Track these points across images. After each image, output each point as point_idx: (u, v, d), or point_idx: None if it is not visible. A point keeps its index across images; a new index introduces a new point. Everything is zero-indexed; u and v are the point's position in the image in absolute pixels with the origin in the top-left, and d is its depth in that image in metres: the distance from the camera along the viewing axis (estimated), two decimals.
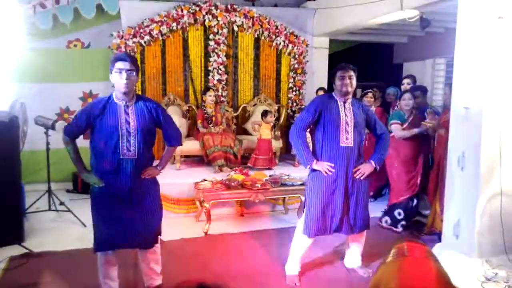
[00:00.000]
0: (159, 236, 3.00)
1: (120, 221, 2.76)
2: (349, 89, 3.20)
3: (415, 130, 4.32)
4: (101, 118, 2.69)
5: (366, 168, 3.22)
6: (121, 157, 2.69)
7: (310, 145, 3.42)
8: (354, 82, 3.23)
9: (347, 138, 3.17)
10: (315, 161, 3.19)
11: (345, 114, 3.21)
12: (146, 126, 2.76)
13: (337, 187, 3.19)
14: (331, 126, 3.18)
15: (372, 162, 3.25)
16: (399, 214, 4.42)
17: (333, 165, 3.16)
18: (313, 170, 3.22)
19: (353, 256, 3.52)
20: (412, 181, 4.42)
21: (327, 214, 3.22)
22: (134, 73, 2.70)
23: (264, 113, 5.59)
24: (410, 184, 4.41)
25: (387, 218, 4.49)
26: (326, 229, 3.25)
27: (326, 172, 3.15)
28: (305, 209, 3.30)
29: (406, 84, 5.25)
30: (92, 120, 2.70)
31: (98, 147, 2.72)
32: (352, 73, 3.22)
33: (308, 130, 3.36)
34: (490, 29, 3.29)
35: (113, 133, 2.67)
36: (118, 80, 2.66)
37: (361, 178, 3.22)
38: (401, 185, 4.42)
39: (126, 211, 2.76)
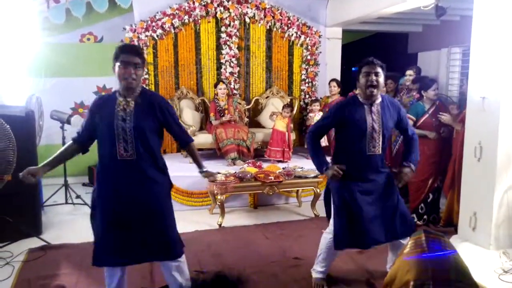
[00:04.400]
0: (182, 248, 2.64)
1: (124, 230, 2.48)
2: (374, 90, 2.75)
3: (425, 133, 4.18)
4: (99, 115, 2.47)
5: (408, 174, 2.87)
6: (118, 158, 2.44)
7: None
8: (382, 80, 2.78)
9: (374, 147, 2.82)
10: (325, 167, 2.86)
11: (372, 120, 2.80)
12: (146, 125, 2.47)
13: (364, 198, 2.83)
14: (355, 135, 2.82)
15: (412, 166, 2.89)
16: (421, 208, 4.37)
17: (344, 167, 2.81)
18: (335, 181, 2.88)
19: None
20: (425, 183, 4.31)
21: (359, 226, 2.81)
22: (141, 67, 2.45)
23: (283, 106, 5.72)
24: (421, 186, 4.32)
25: (413, 215, 4.41)
26: (359, 243, 2.87)
27: (338, 173, 2.80)
28: (332, 221, 2.94)
29: (408, 76, 5.12)
30: (94, 117, 2.49)
31: (99, 146, 2.52)
32: (379, 69, 2.77)
33: (333, 134, 3.05)
34: (508, 16, 3.21)
35: (108, 131, 2.43)
36: (122, 74, 2.41)
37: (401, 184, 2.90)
38: (414, 187, 4.36)
39: (129, 219, 2.48)
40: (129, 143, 2.43)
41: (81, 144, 2.59)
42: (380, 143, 2.83)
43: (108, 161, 2.47)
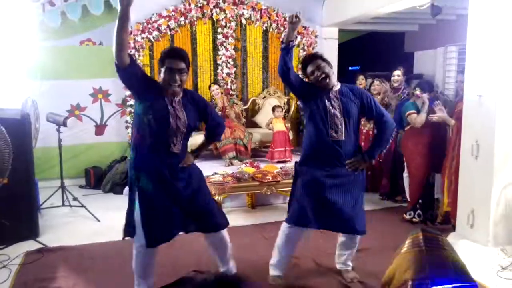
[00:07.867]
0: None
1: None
2: (326, 80, 2.81)
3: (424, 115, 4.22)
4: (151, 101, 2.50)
5: (356, 163, 2.83)
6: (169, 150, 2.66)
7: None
8: (327, 69, 2.83)
9: (336, 132, 2.79)
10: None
11: (332, 105, 2.81)
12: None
13: (325, 183, 2.84)
14: (317, 118, 2.83)
15: (366, 157, 2.85)
16: (419, 205, 4.38)
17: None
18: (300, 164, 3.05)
19: (341, 258, 3.20)
20: (426, 179, 4.34)
21: (310, 206, 2.88)
22: (185, 72, 2.53)
23: (273, 109, 5.60)
24: (422, 182, 4.34)
25: (411, 212, 4.42)
26: (309, 221, 2.88)
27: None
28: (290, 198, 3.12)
29: (396, 76, 5.10)
30: (142, 90, 2.50)
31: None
32: (319, 61, 2.85)
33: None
34: (503, 14, 3.22)
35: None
36: (166, 79, 2.49)
37: (353, 171, 2.84)
38: (418, 182, 4.35)
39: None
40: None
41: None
42: (344, 128, 2.79)
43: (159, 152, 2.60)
